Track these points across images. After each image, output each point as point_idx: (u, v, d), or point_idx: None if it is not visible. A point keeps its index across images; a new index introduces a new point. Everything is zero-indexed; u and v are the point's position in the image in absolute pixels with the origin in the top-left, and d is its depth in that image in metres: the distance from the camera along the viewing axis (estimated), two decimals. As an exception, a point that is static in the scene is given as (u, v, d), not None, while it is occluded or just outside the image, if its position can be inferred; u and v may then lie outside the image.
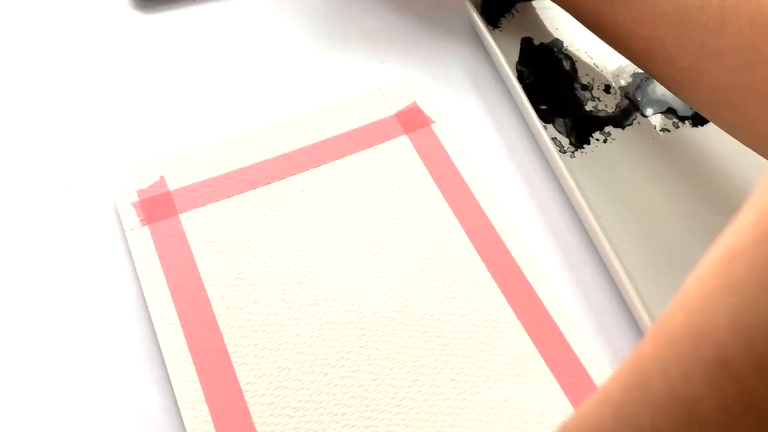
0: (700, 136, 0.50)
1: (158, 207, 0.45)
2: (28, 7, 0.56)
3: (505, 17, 0.56)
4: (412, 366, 0.41)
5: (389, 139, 0.49)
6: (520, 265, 0.45)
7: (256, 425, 0.39)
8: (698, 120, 0.51)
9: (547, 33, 0.55)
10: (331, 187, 0.47)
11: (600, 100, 0.52)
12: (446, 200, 0.47)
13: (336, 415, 0.39)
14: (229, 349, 0.41)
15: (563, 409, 0.39)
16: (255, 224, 0.45)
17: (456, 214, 0.46)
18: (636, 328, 0.44)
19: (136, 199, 0.46)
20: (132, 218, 0.45)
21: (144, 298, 0.42)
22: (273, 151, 0.48)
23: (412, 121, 0.50)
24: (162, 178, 0.46)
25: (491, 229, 0.45)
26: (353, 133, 0.49)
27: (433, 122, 0.50)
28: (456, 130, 0.50)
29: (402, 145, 0.49)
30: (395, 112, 0.50)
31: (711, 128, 0.51)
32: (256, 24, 0.56)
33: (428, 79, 0.53)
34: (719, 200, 0.48)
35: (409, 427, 0.39)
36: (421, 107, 0.51)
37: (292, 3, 0.57)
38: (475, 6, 0.54)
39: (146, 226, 0.45)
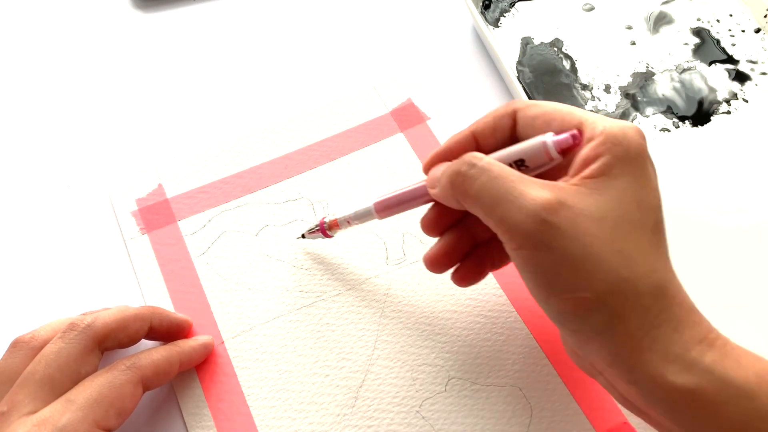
0: (700, 136, 0.50)
1: (157, 215, 0.46)
2: (28, 8, 0.57)
3: (505, 17, 0.56)
4: (413, 364, 0.40)
5: (385, 137, 0.49)
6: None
7: (258, 429, 0.38)
8: (698, 120, 0.51)
9: (547, 33, 0.55)
10: (328, 187, 0.47)
11: (600, 100, 0.52)
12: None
13: (338, 416, 0.39)
14: (231, 353, 0.41)
15: (566, 402, 0.39)
16: (252, 228, 0.45)
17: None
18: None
19: (135, 208, 0.46)
20: (132, 227, 0.45)
21: (145, 304, 0.42)
22: (269, 154, 0.48)
23: (407, 118, 0.50)
24: (160, 186, 0.47)
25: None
26: (349, 132, 0.49)
27: (429, 118, 0.50)
28: (454, 127, 0.50)
29: (398, 142, 0.49)
30: (390, 110, 0.50)
31: (711, 128, 0.50)
32: (254, 24, 0.56)
33: (428, 79, 0.53)
34: (719, 200, 0.47)
35: (411, 425, 0.38)
36: (416, 104, 0.51)
37: (287, 2, 0.58)
38: (475, 5, 0.54)
39: (146, 235, 0.45)
